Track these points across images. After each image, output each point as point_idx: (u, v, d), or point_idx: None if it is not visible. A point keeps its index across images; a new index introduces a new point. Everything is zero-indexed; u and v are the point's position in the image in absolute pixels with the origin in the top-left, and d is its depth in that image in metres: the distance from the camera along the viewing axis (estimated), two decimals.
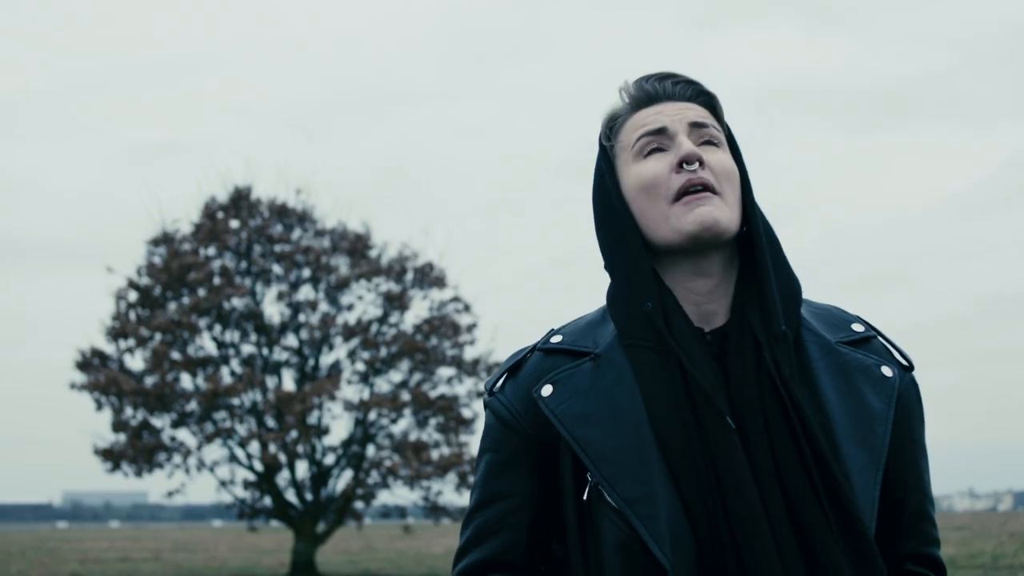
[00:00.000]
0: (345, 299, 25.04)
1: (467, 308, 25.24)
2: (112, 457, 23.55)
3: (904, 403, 1.71)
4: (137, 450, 23.39)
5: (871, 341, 1.74)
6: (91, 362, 23.93)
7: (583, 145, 1.87)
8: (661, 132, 1.69)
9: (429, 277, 25.07)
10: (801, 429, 1.59)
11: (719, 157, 1.69)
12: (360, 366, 24.72)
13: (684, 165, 1.65)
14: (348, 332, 24.40)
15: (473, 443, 24.61)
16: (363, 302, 25.11)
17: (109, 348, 24.09)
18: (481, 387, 24.86)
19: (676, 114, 1.69)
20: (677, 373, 1.62)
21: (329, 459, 24.74)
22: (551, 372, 1.68)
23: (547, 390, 1.66)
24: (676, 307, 1.66)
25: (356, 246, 24.90)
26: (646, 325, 1.64)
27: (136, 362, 24.01)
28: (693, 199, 1.64)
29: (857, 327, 1.75)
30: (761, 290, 1.67)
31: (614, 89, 1.78)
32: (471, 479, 23.84)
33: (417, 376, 24.76)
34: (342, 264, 24.91)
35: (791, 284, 1.71)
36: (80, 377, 23.72)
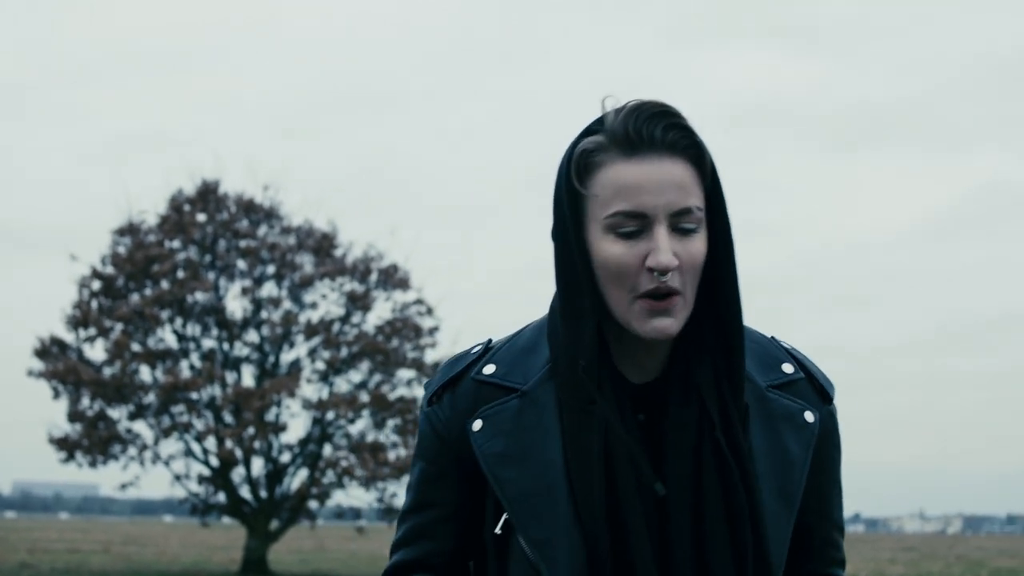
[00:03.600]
0: (308, 297, 25.05)
1: (430, 311, 25.27)
2: (67, 447, 23.41)
3: (821, 444, 1.76)
4: (92, 441, 23.28)
5: (797, 383, 1.77)
6: (50, 350, 23.80)
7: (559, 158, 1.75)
8: (641, 217, 1.61)
9: (393, 278, 25.09)
10: (741, 519, 1.65)
11: (691, 249, 1.63)
12: (320, 365, 24.72)
13: (657, 275, 1.60)
14: (310, 330, 24.38)
15: None
16: (326, 301, 25.13)
17: (69, 337, 23.99)
18: None
19: (659, 194, 1.60)
20: (600, 431, 1.65)
21: (285, 457, 24.70)
22: (482, 406, 1.72)
23: (477, 425, 1.71)
24: (610, 365, 1.68)
25: (322, 245, 24.89)
26: (577, 379, 1.66)
27: (96, 352, 23.94)
28: (656, 306, 1.62)
29: (787, 368, 1.77)
30: (728, 364, 1.68)
31: (596, 100, 1.67)
32: None
33: (377, 377, 24.77)
34: (307, 262, 24.90)
35: (741, 338, 1.70)
36: (38, 365, 23.60)
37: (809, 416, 1.74)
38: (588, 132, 1.66)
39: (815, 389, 1.78)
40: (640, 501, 1.65)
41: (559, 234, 1.68)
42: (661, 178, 1.60)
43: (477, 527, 1.76)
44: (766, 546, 1.66)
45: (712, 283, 1.67)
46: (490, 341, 1.80)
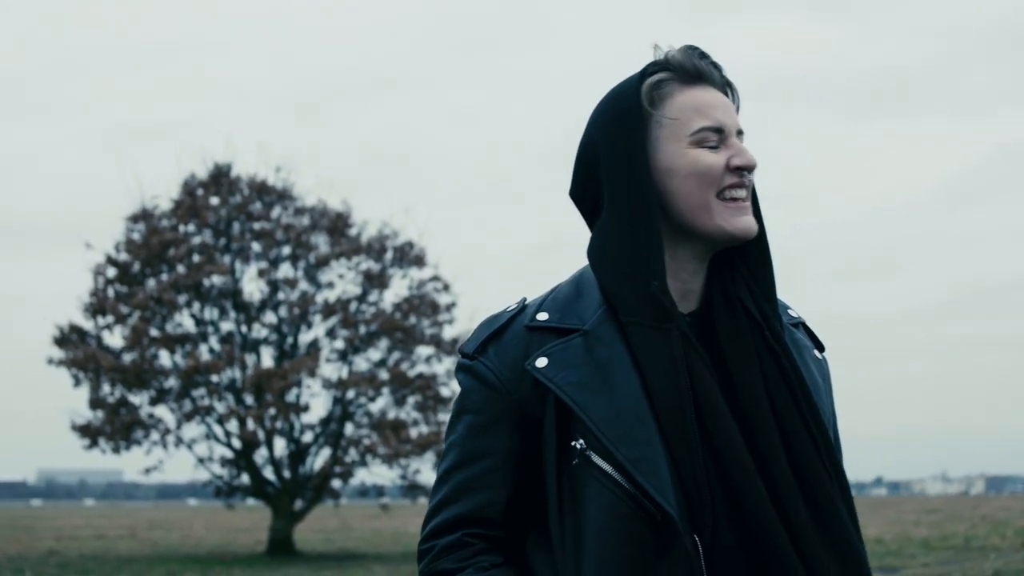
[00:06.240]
0: (324, 277, 25.05)
1: (446, 287, 25.26)
2: (89, 433, 23.52)
3: (828, 383, 1.92)
4: (114, 427, 23.37)
5: (800, 327, 1.93)
6: (69, 338, 23.87)
7: (573, 134, 1.90)
8: (719, 131, 1.80)
9: (409, 256, 25.07)
10: (805, 405, 1.77)
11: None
12: (339, 344, 24.73)
13: (744, 173, 1.80)
14: (327, 310, 24.40)
15: None
16: (343, 280, 25.13)
17: (87, 324, 24.05)
18: None
19: (727, 114, 1.82)
20: (673, 350, 1.71)
21: (307, 437, 24.77)
22: (542, 347, 1.73)
23: (542, 362, 1.71)
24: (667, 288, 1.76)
25: (336, 224, 24.87)
26: (648, 303, 1.73)
27: (115, 339, 23.99)
28: (740, 205, 1.80)
29: (792, 312, 1.94)
30: (765, 278, 1.84)
31: (608, 77, 1.85)
32: None
33: (396, 355, 24.79)
34: (322, 242, 24.88)
35: (770, 256, 1.86)
36: (58, 353, 23.67)
37: (818, 353, 1.91)
38: (646, 74, 1.84)
39: (811, 336, 1.94)
40: (726, 408, 1.71)
41: (624, 162, 1.79)
42: (725, 102, 1.84)
43: (531, 474, 1.75)
44: (830, 438, 1.78)
45: None
46: (524, 299, 1.84)
